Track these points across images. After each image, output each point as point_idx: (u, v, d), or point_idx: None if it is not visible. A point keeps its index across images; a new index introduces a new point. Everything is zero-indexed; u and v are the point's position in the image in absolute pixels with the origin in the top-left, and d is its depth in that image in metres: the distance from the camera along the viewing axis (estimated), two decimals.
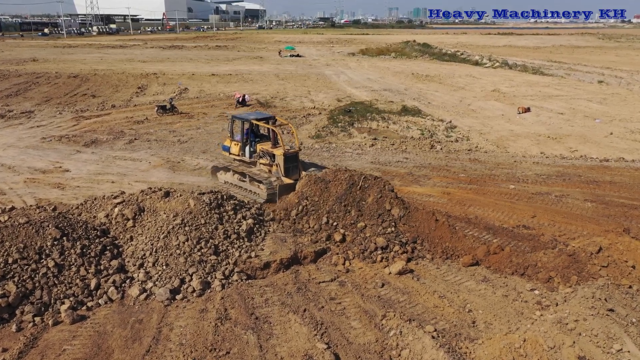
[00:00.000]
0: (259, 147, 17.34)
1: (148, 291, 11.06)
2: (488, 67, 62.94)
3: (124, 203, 13.32)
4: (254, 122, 17.51)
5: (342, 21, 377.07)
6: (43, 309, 10.27)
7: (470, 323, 10.36)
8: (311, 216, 14.12)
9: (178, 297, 11.01)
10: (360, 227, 13.59)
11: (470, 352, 9.27)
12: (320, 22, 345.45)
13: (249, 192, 16.65)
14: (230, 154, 18.36)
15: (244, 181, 17.01)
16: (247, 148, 17.67)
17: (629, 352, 9.10)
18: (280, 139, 16.77)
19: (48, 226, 11.48)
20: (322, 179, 14.66)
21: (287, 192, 15.56)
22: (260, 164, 17.21)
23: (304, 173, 16.37)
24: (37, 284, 10.55)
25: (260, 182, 16.28)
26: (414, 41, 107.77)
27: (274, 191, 15.80)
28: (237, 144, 17.93)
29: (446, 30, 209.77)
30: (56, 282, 10.74)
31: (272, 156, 16.76)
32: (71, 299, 10.54)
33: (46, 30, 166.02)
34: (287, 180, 16.25)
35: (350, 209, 13.99)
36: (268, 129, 17.46)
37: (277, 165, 16.59)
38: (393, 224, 13.71)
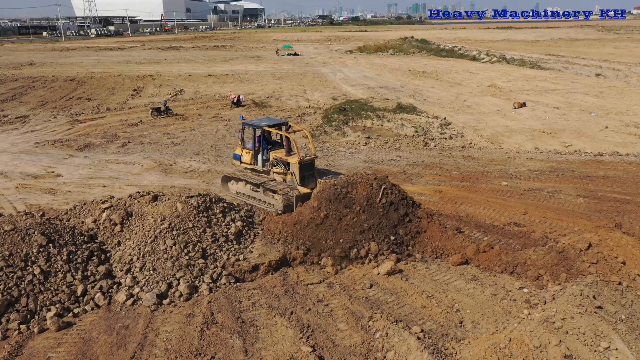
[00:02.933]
0: (272, 155, 16.49)
1: (135, 296, 11.05)
2: (485, 62, 62.75)
3: (111, 208, 13.29)
4: (266, 128, 16.62)
5: (341, 18, 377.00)
6: (29, 316, 10.26)
7: (458, 323, 10.31)
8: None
9: (165, 301, 10.98)
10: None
11: (456, 353, 9.22)
12: (319, 20, 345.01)
13: (262, 203, 15.82)
14: (241, 162, 17.42)
15: (257, 191, 16.11)
16: (259, 156, 16.82)
17: (616, 349, 9.04)
18: (294, 146, 15.89)
19: (34, 233, 11.47)
20: (338, 195, 13.38)
21: (304, 202, 14.56)
22: (274, 172, 16.41)
23: (320, 181, 15.58)
24: (22, 292, 10.54)
25: (275, 192, 15.43)
26: (412, 37, 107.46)
27: (289, 201, 15.03)
28: (249, 152, 17.01)
29: (445, 26, 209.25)
30: (42, 289, 10.72)
31: (287, 164, 15.95)
32: (57, 305, 10.52)
33: (45, 34, 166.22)
34: (303, 190, 15.45)
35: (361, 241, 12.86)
36: (280, 135, 16.75)
37: (292, 174, 15.78)
38: (394, 236, 13.20)
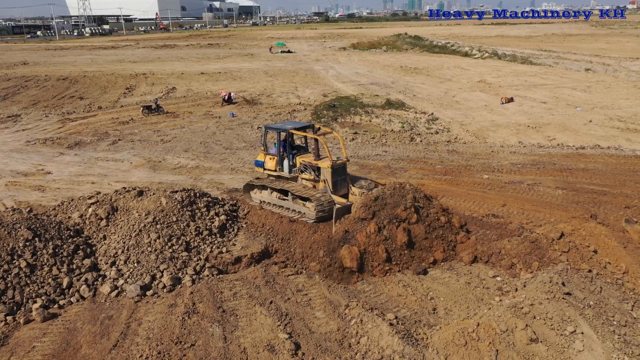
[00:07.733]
0: (298, 160, 15.32)
1: (119, 288, 11.35)
2: (477, 58, 63.07)
3: (97, 203, 13.59)
4: (292, 131, 15.21)
5: (337, 15, 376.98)
6: (15, 308, 10.56)
7: (431, 310, 10.67)
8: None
9: (149, 293, 11.30)
10: None
11: (427, 338, 9.58)
12: (315, 17, 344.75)
13: (292, 212, 14.87)
14: (265, 170, 16.02)
15: (285, 199, 15.21)
16: (285, 162, 15.59)
17: (582, 333, 9.39)
18: (326, 149, 14.68)
19: (20, 228, 11.76)
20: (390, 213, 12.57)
21: (344, 214, 13.45)
22: (302, 179, 15.34)
23: (354, 188, 14.54)
24: (9, 284, 10.84)
25: (307, 199, 14.49)
26: (406, 34, 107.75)
27: (323, 208, 14.09)
28: (273, 158, 15.73)
29: (439, 22, 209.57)
30: (28, 281, 11.03)
31: (317, 169, 14.89)
32: (43, 297, 10.83)
33: (39, 33, 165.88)
34: (338, 199, 14.44)
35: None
36: (305, 138, 15.96)
37: (324, 181, 14.62)
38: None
